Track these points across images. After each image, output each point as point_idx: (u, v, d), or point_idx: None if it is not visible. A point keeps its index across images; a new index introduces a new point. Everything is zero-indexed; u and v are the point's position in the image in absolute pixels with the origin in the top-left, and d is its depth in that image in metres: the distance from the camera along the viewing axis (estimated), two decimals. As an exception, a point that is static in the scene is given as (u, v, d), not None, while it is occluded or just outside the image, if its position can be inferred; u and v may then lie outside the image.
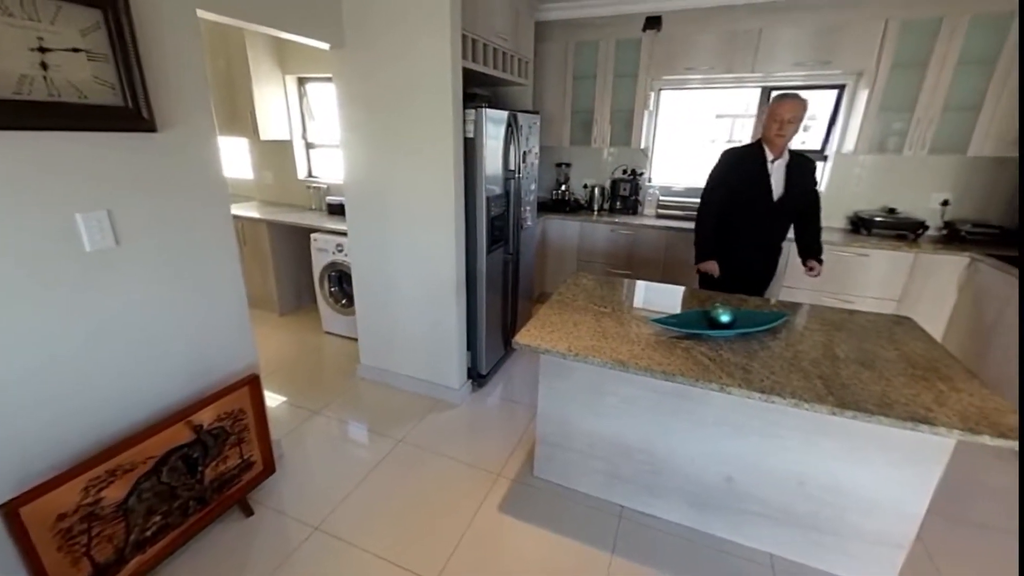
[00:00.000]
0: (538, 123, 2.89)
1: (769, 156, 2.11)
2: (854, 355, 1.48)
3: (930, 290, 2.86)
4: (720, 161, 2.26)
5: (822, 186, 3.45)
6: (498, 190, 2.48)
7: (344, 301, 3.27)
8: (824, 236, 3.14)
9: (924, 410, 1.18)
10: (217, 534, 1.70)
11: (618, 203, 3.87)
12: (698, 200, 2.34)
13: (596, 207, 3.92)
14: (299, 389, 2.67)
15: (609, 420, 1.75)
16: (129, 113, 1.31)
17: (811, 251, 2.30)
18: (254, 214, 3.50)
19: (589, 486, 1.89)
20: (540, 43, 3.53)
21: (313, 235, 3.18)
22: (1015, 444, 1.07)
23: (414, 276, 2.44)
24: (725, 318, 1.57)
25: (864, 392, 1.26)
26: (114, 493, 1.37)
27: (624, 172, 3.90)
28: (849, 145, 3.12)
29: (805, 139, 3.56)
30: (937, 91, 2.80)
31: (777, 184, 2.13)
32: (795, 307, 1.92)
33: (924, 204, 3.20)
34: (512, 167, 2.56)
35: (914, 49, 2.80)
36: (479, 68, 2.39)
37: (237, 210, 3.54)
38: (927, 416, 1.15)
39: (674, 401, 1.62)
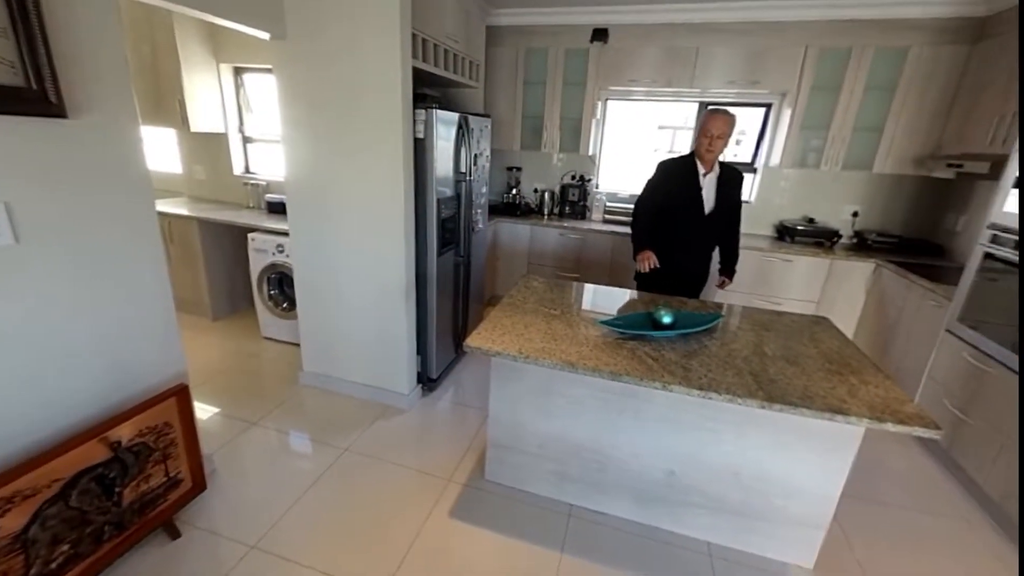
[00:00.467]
0: (489, 126, 2.90)
1: (701, 170, 2.20)
2: (780, 352, 1.60)
3: (843, 293, 3.16)
4: (655, 172, 2.33)
5: (753, 196, 3.72)
6: (449, 192, 2.46)
7: (285, 305, 3.10)
8: (754, 243, 3.40)
9: (839, 402, 1.30)
10: (137, 561, 1.55)
11: (567, 208, 3.96)
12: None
13: (546, 211, 3.99)
14: (235, 399, 2.50)
15: (559, 421, 1.78)
16: (32, 95, 1.17)
17: (725, 267, 2.43)
18: (183, 211, 3.24)
19: (539, 487, 1.91)
20: (491, 47, 3.55)
21: (251, 235, 3.00)
22: (912, 430, 1.21)
23: (361, 279, 2.36)
24: (667, 319, 1.65)
25: (789, 387, 1.37)
26: (11, 522, 1.21)
27: (573, 178, 4.00)
28: (775, 159, 3.40)
29: (737, 152, 3.83)
30: (848, 113, 3.11)
31: (708, 198, 2.23)
32: (729, 308, 2.06)
33: (838, 215, 3.54)
34: (463, 169, 2.55)
35: (829, 74, 3.09)
36: (429, 68, 2.37)
37: (163, 206, 3.27)
38: (841, 407, 1.27)
39: (620, 400, 1.68)
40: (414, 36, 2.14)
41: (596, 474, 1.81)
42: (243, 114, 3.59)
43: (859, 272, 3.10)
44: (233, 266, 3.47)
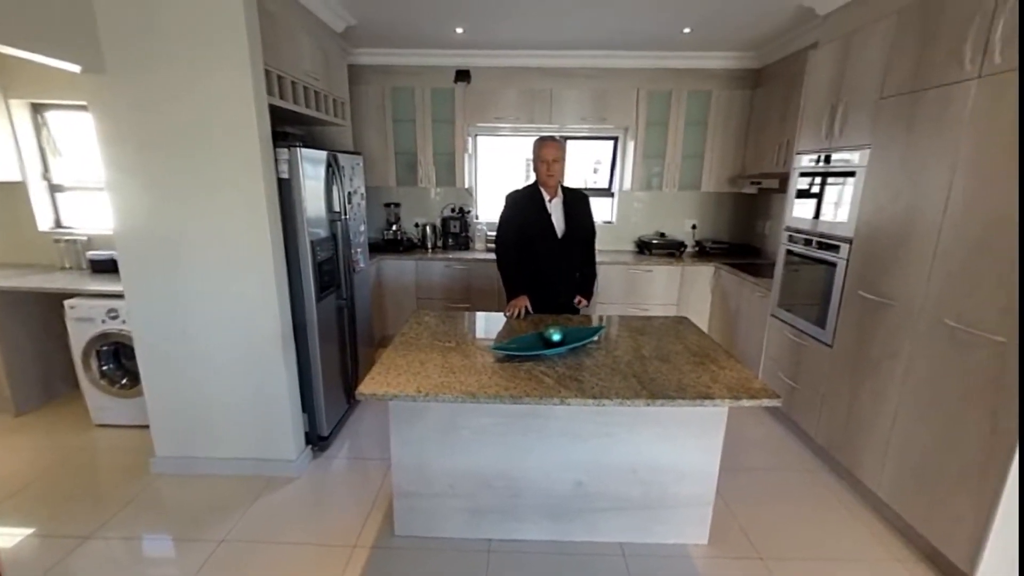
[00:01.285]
0: (361, 164, 2.83)
1: (546, 196, 2.27)
2: (655, 353, 1.79)
3: (695, 293, 3.69)
4: (505, 205, 2.35)
5: (614, 218, 4.18)
6: (324, 233, 2.32)
7: (124, 381, 2.58)
8: (620, 259, 3.77)
9: (705, 388, 1.49)
10: None
11: (450, 240, 4.01)
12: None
13: (430, 245, 3.98)
14: (58, 511, 1.97)
15: (466, 455, 1.75)
16: None
17: (581, 287, 2.46)
18: (-40, 281, 2.54)
19: (454, 529, 1.83)
20: (356, 85, 3.50)
21: (69, 302, 2.45)
22: (761, 402, 1.44)
23: (225, 337, 2.08)
24: (557, 336, 1.74)
25: (666, 382, 1.53)
26: None
27: (452, 210, 4.07)
28: (627, 184, 3.88)
29: (596, 179, 4.28)
30: (676, 144, 3.70)
31: (558, 222, 2.30)
32: (608, 319, 2.25)
33: (682, 228, 4.15)
34: (337, 208, 2.43)
35: (658, 112, 3.67)
36: (289, 106, 2.24)
37: (-73, 278, 2.52)
38: (708, 392, 1.47)
39: (524, 421, 1.71)
40: (268, 72, 2.02)
41: (510, 501, 1.80)
42: (47, 158, 2.98)
43: (703, 275, 3.65)
44: (44, 343, 2.80)
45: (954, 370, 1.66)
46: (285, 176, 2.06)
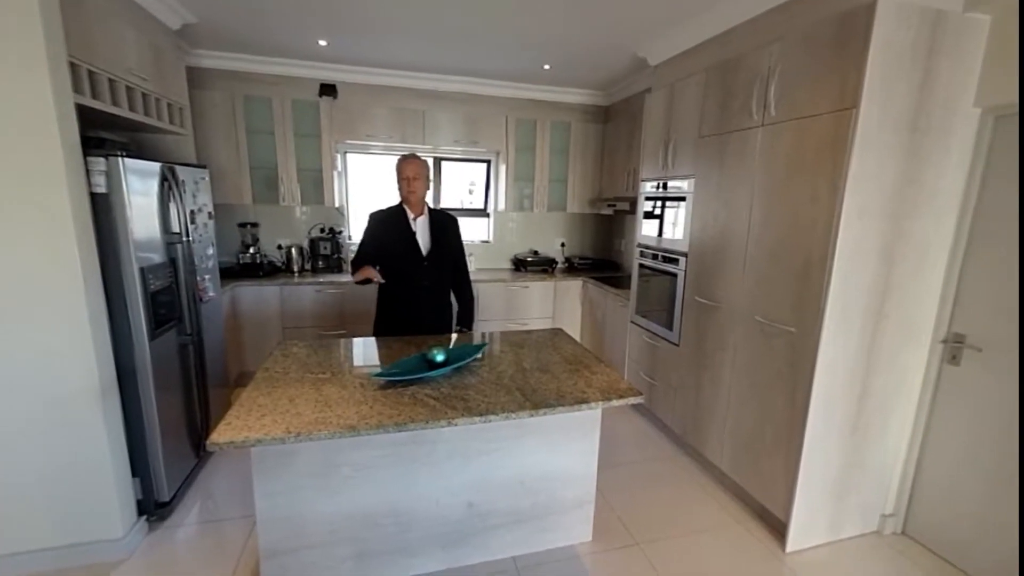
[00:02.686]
0: (207, 178, 2.48)
1: (410, 215, 2.24)
2: (535, 364, 1.88)
3: (568, 306, 3.98)
4: (368, 224, 2.29)
5: (490, 237, 4.32)
6: (158, 258, 1.97)
7: None
8: (499, 276, 3.90)
9: (581, 393, 1.61)
10: None
11: (320, 262, 3.72)
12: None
13: (296, 268, 3.64)
14: None
15: (348, 494, 1.61)
16: None
17: (461, 319, 2.46)
18: None
19: (337, 579, 1.66)
20: (198, 90, 3.09)
21: None
22: (628, 401, 1.60)
23: (12, 397, 1.62)
24: (440, 357, 1.72)
25: (547, 391, 1.61)
26: None
27: (322, 231, 3.79)
28: (501, 205, 4.06)
29: (472, 200, 4.39)
30: (543, 169, 4.00)
31: (424, 240, 2.25)
32: (490, 336, 2.30)
33: (552, 246, 4.46)
34: (176, 229, 2.09)
35: (525, 139, 3.93)
36: (107, 107, 1.88)
37: None
38: (584, 397, 1.58)
39: (410, 449, 1.64)
40: (75, 66, 1.67)
41: (399, 537, 1.70)
42: None
43: (573, 289, 3.97)
44: None
45: (765, 356, 2.05)
46: (102, 190, 1.71)
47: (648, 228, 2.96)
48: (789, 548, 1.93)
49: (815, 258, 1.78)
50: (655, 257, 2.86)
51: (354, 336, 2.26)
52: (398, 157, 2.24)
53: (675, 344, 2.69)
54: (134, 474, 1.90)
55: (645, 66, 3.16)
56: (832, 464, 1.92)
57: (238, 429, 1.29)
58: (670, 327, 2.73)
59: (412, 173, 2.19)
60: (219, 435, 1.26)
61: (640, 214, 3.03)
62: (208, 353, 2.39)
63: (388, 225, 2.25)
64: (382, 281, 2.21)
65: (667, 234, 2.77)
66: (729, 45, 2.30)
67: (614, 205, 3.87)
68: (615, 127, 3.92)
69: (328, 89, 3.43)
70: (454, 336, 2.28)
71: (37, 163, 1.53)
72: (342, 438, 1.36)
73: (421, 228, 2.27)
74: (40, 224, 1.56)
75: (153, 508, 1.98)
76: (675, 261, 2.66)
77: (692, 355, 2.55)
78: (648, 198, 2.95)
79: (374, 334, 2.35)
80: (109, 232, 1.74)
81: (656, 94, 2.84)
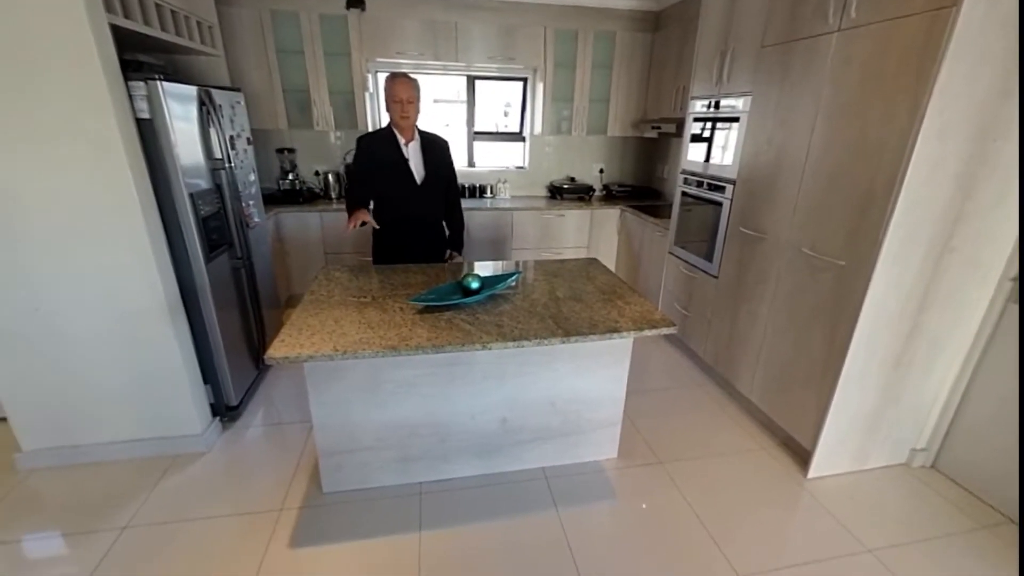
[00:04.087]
0: (243, 102, 2.47)
1: (402, 140, 2.14)
2: (568, 293, 1.90)
3: (604, 235, 3.90)
4: (356, 149, 2.21)
5: (526, 163, 4.18)
6: (205, 184, 2.04)
7: (-39, 370, 2.14)
8: (534, 204, 3.83)
9: (614, 322, 1.63)
10: None
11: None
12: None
13: (334, 195, 3.69)
14: None
15: (392, 408, 1.75)
16: None
17: (452, 243, 2.43)
18: None
19: (385, 478, 1.87)
20: (226, 7, 2.98)
21: None
22: (660, 331, 1.60)
23: (92, 312, 1.80)
24: (475, 284, 1.76)
25: (579, 320, 1.64)
26: None
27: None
28: (538, 128, 3.86)
29: (507, 123, 4.20)
30: (583, 87, 3.72)
31: (417, 167, 2.18)
32: (524, 264, 2.31)
33: (590, 173, 4.28)
34: (218, 155, 2.13)
35: (566, 53, 3.62)
36: (140, 28, 1.85)
37: None
38: (616, 326, 1.60)
39: (447, 369, 1.74)
40: (102, -17, 1.63)
41: (439, 445, 1.87)
42: None
43: (611, 218, 3.85)
44: None
45: (808, 290, 1.97)
46: (146, 116, 1.74)
47: (695, 153, 2.77)
48: (811, 474, 1.99)
49: (879, 186, 1.63)
50: (700, 185, 2.70)
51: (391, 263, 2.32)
52: (387, 75, 2.09)
53: (713, 276, 2.62)
54: (205, 381, 2.13)
55: (705, -40, 2.75)
56: (868, 398, 1.90)
57: (291, 346, 1.40)
58: (710, 259, 2.64)
59: (407, 95, 2.05)
60: (275, 351, 1.37)
61: (687, 137, 2.82)
62: (259, 276, 2.54)
63: (378, 151, 2.15)
64: (376, 226, 2.16)
65: (715, 159, 2.58)
66: (809, -71, 1.95)
67: (659, 127, 3.61)
68: (665, 37, 3.54)
69: (355, 1, 3.22)
70: (486, 264, 2.30)
71: (81, 88, 1.56)
72: (384, 357, 1.45)
73: (413, 154, 2.18)
74: (92, 151, 1.62)
75: (224, 411, 2.24)
76: (721, 189, 2.51)
77: (730, 287, 2.49)
78: (697, 119, 2.73)
79: (374, 263, 2.33)
80: (157, 158, 1.79)
81: (716, -5, 2.51)
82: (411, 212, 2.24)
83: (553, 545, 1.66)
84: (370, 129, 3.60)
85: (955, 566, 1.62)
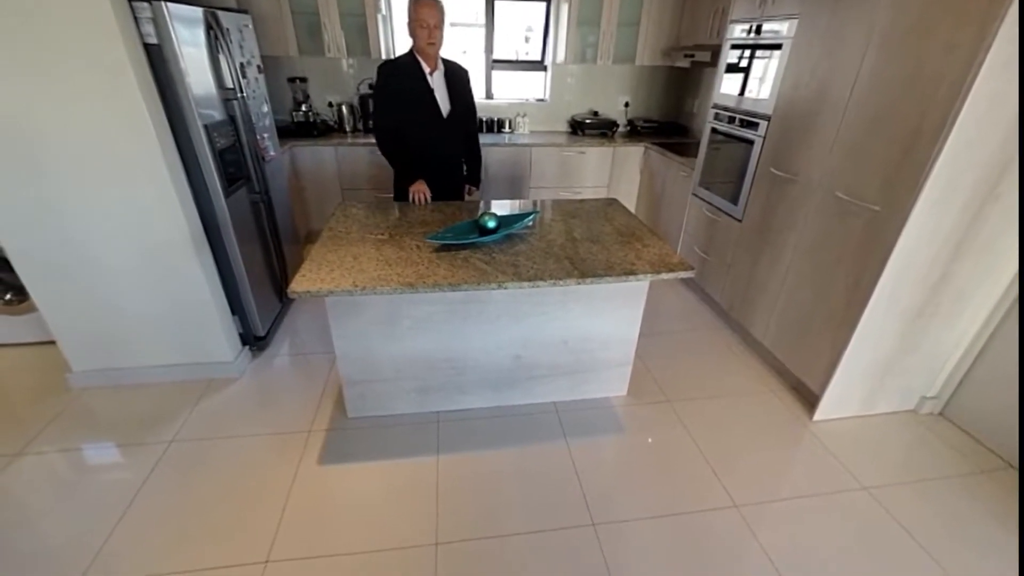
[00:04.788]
0: (251, 25, 2.35)
1: (426, 69, 2.04)
2: (586, 235, 1.87)
3: (625, 174, 3.75)
4: (380, 77, 2.06)
5: (547, 95, 3.96)
6: (218, 115, 2.00)
7: (8, 296, 2.28)
8: (554, 140, 3.68)
9: (631, 265, 1.61)
10: None
11: (371, 121, 3.63)
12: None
13: (348, 128, 3.59)
14: (-30, 434, 1.86)
15: (410, 342, 1.82)
16: None
17: (470, 178, 2.39)
18: None
19: (405, 406, 1.99)
20: (222, -87, 2.74)
21: None
22: (677, 275, 1.59)
23: (121, 241, 1.86)
24: (492, 224, 1.74)
25: (595, 261, 1.63)
26: None
27: (370, 87, 3.62)
28: (560, 56, 3.61)
29: (528, 51, 3.93)
30: (612, 8, 3.41)
31: (443, 99, 2.10)
32: (542, 204, 2.27)
33: (614, 106, 4.04)
34: (230, 84, 2.07)
35: (594, -32, 3.29)
36: (135, -60, 1.73)
37: None
38: (633, 269, 1.59)
39: (463, 307, 1.78)
40: None
41: (455, 378, 1.95)
42: None
43: (633, 156, 3.69)
44: None
45: (836, 237, 1.91)
46: (153, 41, 1.68)
47: (729, 85, 2.57)
48: (816, 417, 2.03)
49: (929, 125, 1.51)
50: (731, 120, 2.54)
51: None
52: None
53: (737, 219, 2.54)
54: (233, 312, 2.22)
55: None
56: (883, 346, 1.89)
57: (312, 281, 1.44)
58: (735, 201, 2.54)
59: (434, 20, 1.92)
60: (297, 285, 1.41)
61: (722, 67, 2.61)
62: (277, 211, 2.55)
63: (403, 81, 2.04)
64: (429, 199, 2.10)
65: (750, 92, 2.40)
66: None
67: (692, 55, 3.33)
68: (707, -52, 3.16)
69: (364, -95, 2.93)
70: (503, 203, 2.27)
71: (88, 12, 1.49)
72: (402, 294, 1.49)
73: (438, 84, 2.08)
74: (102, 78, 1.59)
75: (253, 340, 2.36)
76: (754, 126, 2.36)
77: (754, 231, 2.41)
78: (735, 46, 2.50)
79: (395, 199, 2.28)
80: (169, 87, 1.75)
81: None
82: (437, 148, 2.17)
83: (561, 471, 1.77)
84: (384, 56, 3.41)
85: (947, 505, 1.69)
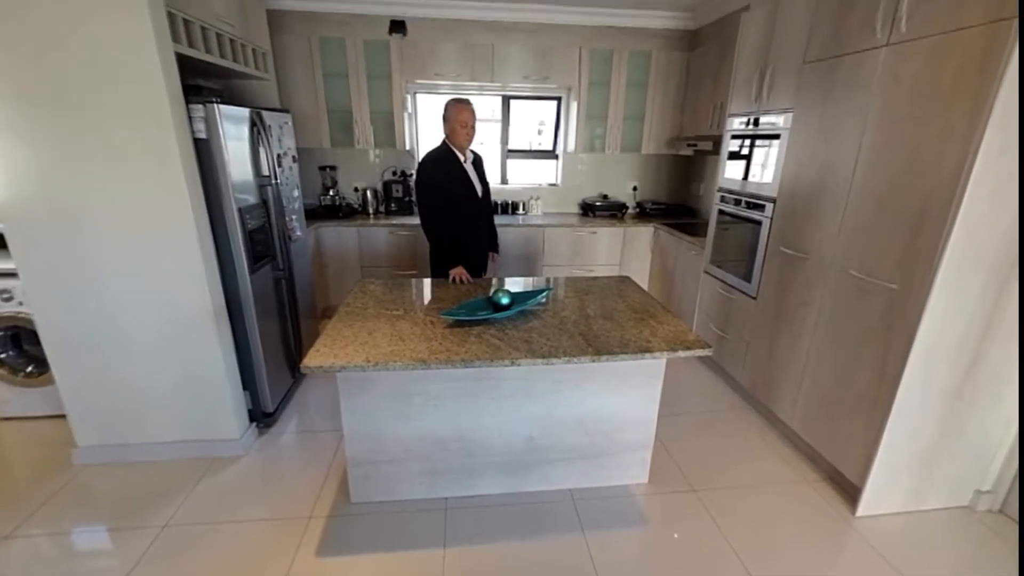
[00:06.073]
0: (290, 122, 2.61)
1: (461, 158, 2.36)
2: (599, 311, 1.87)
3: (636, 253, 3.84)
4: (429, 170, 2.31)
5: (558, 180, 4.21)
6: (252, 199, 2.15)
7: (30, 368, 2.32)
8: (566, 220, 3.83)
9: (646, 342, 1.59)
10: None
11: (393, 205, 3.86)
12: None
13: (371, 210, 3.82)
14: (-37, 513, 1.79)
15: (420, 420, 1.77)
16: None
17: (491, 245, 2.67)
18: None
19: (412, 492, 1.87)
20: (278, 35, 3.18)
21: (-54, 283, 2.14)
22: (695, 353, 1.55)
23: (147, 315, 1.92)
24: (505, 300, 1.77)
25: (610, 339, 1.61)
26: None
27: (394, 173, 3.90)
28: (571, 146, 3.89)
29: (541, 141, 4.25)
30: (618, 105, 3.72)
31: (476, 181, 2.43)
32: (555, 281, 2.30)
33: (623, 190, 4.25)
34: (266, 172, 2.25)
35: (600, 72, 3.65)
36: (201, 56, 2.00)
37: None
38: (648, 346, 1.56)
39: (475, 384, 1.75)
40: (172, 16, 1.78)
41: (465, 460, 1.86)
42: None
43: (644, 235, 3.80)
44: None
45: (855, 314, 1.87)
46: (203, 136, 1.87)
47: (732, 170, 2.71)
48: (860, 512, 1.85)
49: (935, 205, 1.54)
50: (738, 203, 2.63)
51: (424, 276, 2.37)
52: (450, 99, 2.32)
53: (752, 297, 2.52)
54: (244, 387, 2.21)
55: (744, -22, 2.74)
56: (923, 431, 1.76)
57: (326, 356, 1.44)
58: (748, 279, 2.55)
59: (473, 120, 2.30)
60: (310, 360, 1.41)
61: (724, 155, 2.77)
62: (298, 287, 2.64)
63: (448, 170, 2.34)
64: (470, 281, 2.27)
65: (754, 177, 2.52)
66: (854, -56, 1.91)
67: (695, 145, 3.56)
68: (702, 55, 3.51)
69: (398, 26, 3.38)
70: (516, 280, 2.31)
71: (149, 110, 1.69)
72: (414, 370, 1.47)
73: (471, 170, 2.41)
74: (155, 167, 1.75)
75: (261, 417, 2.31)
76: (760, 207, 2.43)
77: (770, 309, 2.39)
78: (735, 136, 2.67)
79: (433, 275, 2.45)
80: (211, 174, 1.91)
81: (755, 12, 2.48)
82: (476, 223, 2.45)
83: (579, 570, 1.61)
84: (408, 147, 3.71)
85: (1029, 625, 1.46)
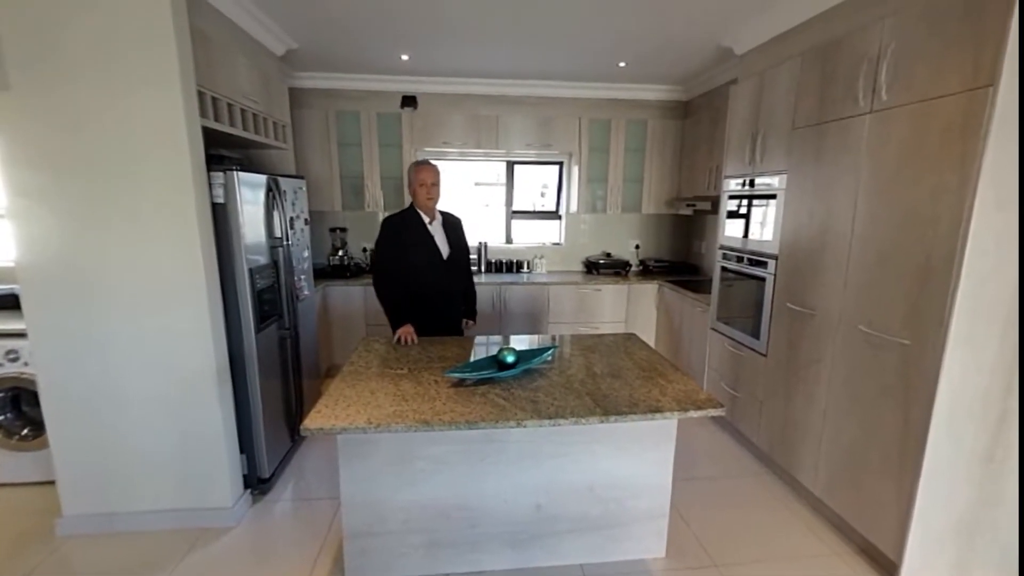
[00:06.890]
0: (304, 188, 2.74)
1: (426, 219, 2.30)
2: (606, 370, 1.84)
3: (642, 310, 3.83)
4: (384, 230, 2.31)
5: (562, 239, 4.30)
6: (264, 260, 2.21)
7: (25, 431, 2.27)
8: (570, 279, 3.87)
9: (655, 401, 1.54)
10: None
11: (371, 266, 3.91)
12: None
13: (378, 270, 3.88)
14: (-68, 592, 1.68)
15: (422, 486, 1.68)
16: None
17: (468, 312, 2.57)
18: None
19: (411, 567, 1.74)
20: (298, 109, 3.42)
21: (-45, 344, 2.15)
22: (707, 413, 1.50)
23: (150, 375, 1.90)
24: (510, 359, 1.74)
25: (618, 398, 1.57)
26: None
27: (400, 234, 4.01)
28: (573, 207, 4.02)
29: (544, 203, 4.40)
30: (617, 169, 3.90)
31: (442, 243, 2.34)
32: (560, 339, 2.28)
33: (626, 248, 4.33)
34: (278, 234, 2.33)
35: (599, 139, 3.86)
36: (225, 128, 2.15)
37: None
38: (658, 406, 1.51)
39: (480, 447, 1.68)
40: (202, 94, 1.93)
41: (468, 531, 1.74)
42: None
43: (648, 292, 3.81)
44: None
45: (870, 370, 1.82)
46: (220, 201, 1.95)
47: (732, 229, 2.76)
48: (900, 591, 1.69)
49: (937, 259, 1.55)
50: (740, 260, 2.66)
51: (424, 335, 2.36)
52: (412, 162, 2.34)
53: (762, 354, 2.48)
54: (241, 450, 2.14)
55: (730, 56, 2.96)
56: (959, 497, 1.65)
57: (327, 417, 1.40)
58: (756, 335, 2.52)
59: (431, 179, 2.24)
60: (310, 421, 1.38)
61: (723, 214, 2.84)
62: (303, 346, 2.63)
63: (404, 231, 2.30)
64: (416, 341, 2.18)
65: (754, 235, 2.56)
66: (829, 25, 2.08)
67: (694, 205, 3.67)
68: (695, 123, 3.72)
69: (409, 100, 3.63)
70: (521, 337, 2.29)
71: (173, 178, 1.79)
72: (417, 432, 1.43)
73: (437, 231, 2.35)
74: (173, 230, 1.82)
75: (256, 483, 2.21)
76: (763, 264, 2.46)
77: (782, 366, 2.33)
78: (732, 196, 2.76)
79: (394, 333, 2.28)
80: (225, 237, 1.98)
81: (743, 85, 2.65)
82: (440, 284, 2.36)
83: (594, 662, 1.45)
84: (416, 209, 3.84)
85: None
